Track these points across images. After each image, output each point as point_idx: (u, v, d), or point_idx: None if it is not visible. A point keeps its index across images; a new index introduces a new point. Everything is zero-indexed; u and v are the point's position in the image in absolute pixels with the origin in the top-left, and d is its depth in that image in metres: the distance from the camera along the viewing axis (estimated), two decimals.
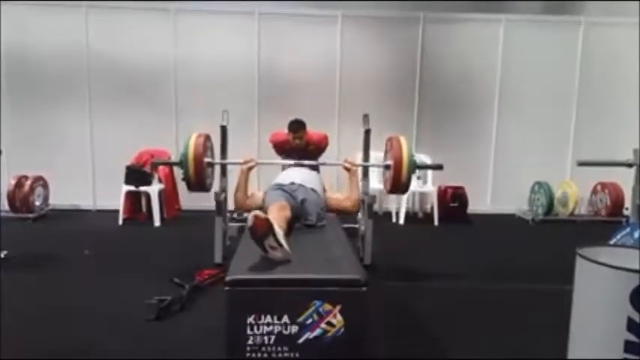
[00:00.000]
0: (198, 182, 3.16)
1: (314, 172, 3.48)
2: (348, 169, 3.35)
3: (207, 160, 3.21)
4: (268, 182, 3.36)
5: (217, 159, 3.46)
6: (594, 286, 1.55)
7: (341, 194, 3.45)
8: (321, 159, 3.97)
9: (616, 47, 5.43)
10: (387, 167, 3.31)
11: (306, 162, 3.52)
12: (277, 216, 2.48)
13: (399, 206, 5.17)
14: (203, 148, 3.13)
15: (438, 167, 3.47)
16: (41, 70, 5.18)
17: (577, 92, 5.49)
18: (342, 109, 5.37)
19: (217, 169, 3.53)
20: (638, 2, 5.14)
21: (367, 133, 3.56)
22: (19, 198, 4.77)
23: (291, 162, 3.52)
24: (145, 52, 5.25)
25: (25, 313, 2.58)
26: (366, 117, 3.56)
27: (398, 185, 3.20)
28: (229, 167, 3.59)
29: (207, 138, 3.27)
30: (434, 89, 5.44)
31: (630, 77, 5.40)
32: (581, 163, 3.74)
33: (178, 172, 5.22)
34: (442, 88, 5.45)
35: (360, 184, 3.63)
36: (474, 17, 5.40)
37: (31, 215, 4.77)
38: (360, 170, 3.53)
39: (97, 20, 5.16)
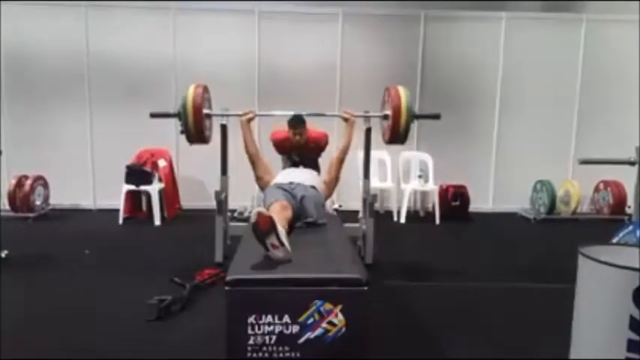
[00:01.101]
0: (197, 133, 3.18)
1: (312, 171, 3.48)
2: (346, 119, 3.43)
3: (205, 111, 3.21)
4: (275, 170, 3.40)
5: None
6: (597, 284, 1.54)
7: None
8: (322, 160, 3.97)
9: (618, 45, 5.40)
10: (385, 117, 3.33)
11: (307, 113, 3.51)
12: (279, 215, 2.46)
13: (401, 205, 5.16)
14: (201, 98, 3.15)
15: (435, 117, 3.47)
16: (41, 69, 5.17)
17: (579, 90, 5.47)
18: (342, 108, 5.33)
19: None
20: (638, 1, 5.12)
21: (368, 131, 3.56)
22: (19, 197, 4.77)
23: (290, 113, 3.51)
24: (145, 51, 5.24)
25: (25, 312, 2.57)
26: (367, 119, 3.54)
27: (397, 134, 3.23)
28: (230, 166, 3.58)
29: (206, 89, 3.30)
30: (435, 87, 5.42)
31: (632, 75, 5.37)
32: (583, 161, 3.71)
33: (179, 171, 5.31)
34: (443, 86, 5.43)
35: (362, 183, 3.63)
36: (475, 15, 5.38)
37: (31, 215, 4.77)
38: (360, 171, 3.53)
39: (96, 19, 5.15)
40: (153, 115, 3.37)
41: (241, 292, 1.83)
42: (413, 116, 3.21)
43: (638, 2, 5.15)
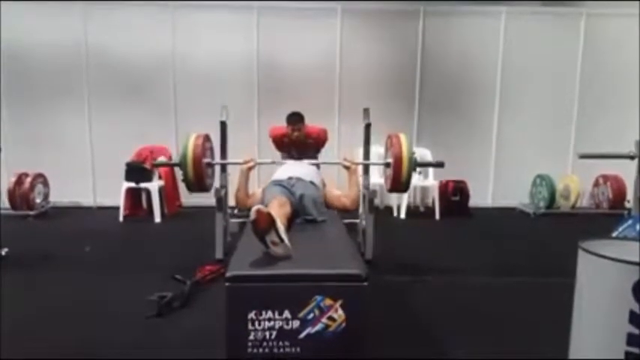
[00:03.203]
0: (197, 183, 3.15)
1: (312, 166, 3.47)
2: (347, 167, 3.33)
3: (206, 160, 3.20)
4: (268, 178, 3.35)
5: (217, 157, 3.45)
6: (596, 279, 1.54)
7: (340, 191, 3.43)
8: (321, 157, 3.97)
9: (618, 38, 5.38)
10: (387, 165, 3.30)
11: (306, 161, 3.50)
12: (278, 212, 2.46)
13: (400, 200, 5.16)
14: (202, 149, 3.12)
15: (438, 165, 3.44)
16: (40, 67, 5.17)
17: (578, 84, 5.46)
18: (341, 103, 5.35)
19: (217, 167, 3.51)
20: None
21: (367, 127, 3.54)
22: (19, 195, 4.77)
23: (290, 162, 3.51)
24: (144, 48, 5.23)
25: (25, 310, 2.57)
26: (366, 111, 3.54)
27: (398, 183, 3.19)
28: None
29: (207, 138, 3.26)
30: (434, 82, 5.41)
31: (632, 69, 5.35)
32: (583, 156, 3.74)
33: (178, 169, 5.29)
34: (443, 81, 5.42)
35: (361, 179, 3.62)
36: (474, 10, 5.37)
37: (31, 212, 4.77)
38: (360, 168, 3.52)
39: (95, 17, 5.14)
40: (155, 165, 3.35)
41: (241, 288, 1.84)
42: (415, 165, 3.17)
43: None
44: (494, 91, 5.47)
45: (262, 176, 4.54)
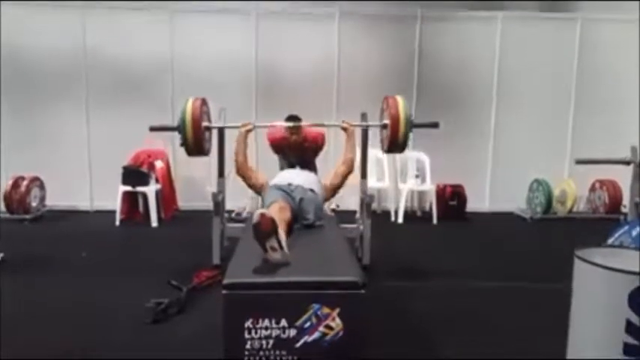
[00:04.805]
0: (196, 146, 3.19)
1: (311, 173, 3.47)
2: (345, 129, 3.41)
3: (204, 124, 3.22)
4: (269, 176, 3.37)
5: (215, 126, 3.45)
6: (593, 287, 1.55)
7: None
8: (319, 159, 3.97)
9: (613, 43, 5.42)
10: (384, 126, 3.33)
11: (306, 124, 3.48)
12: (278, 217, 2.45)
13: (398, 204, 5.16)
14: (200, 111, 3.16)
15: (433, 125, 3.44)
16: (38, 70, 5.15)
17: (574, 89, 5.49)
18: (340, 107, 5.34)
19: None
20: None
21: (365, 132, 3.56)
22: (15, 199, 4.75)
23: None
24: (142, 52, 5.23)
25: (21, 315, 2.55)
26: (364, 116, 3.55)
27: (395, 144, 3.25)
28: (227, 165, 3.57)
29: (204, 102, 3.30)
30: (431, 86, 5.42)
31: (628, 74, 5.39)
32: (579, 161, 3.74)
33: (177, 171, 5.30)
34: (440, 85, 5.44)
35: (359, 182, 3.64)
36: (471, 15, 5.39)
37: (27, 216, 4.75)
38: (357, 176, 3.53)
39: (93, 20, 5.13)
40: (152, 129, 3.35)
41: (238, 295, 1.83)
42: (411, 125, 3.21)
43: (631, 1, 5.18)
44: (491, 95, 5.49)
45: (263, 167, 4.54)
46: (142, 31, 5.20)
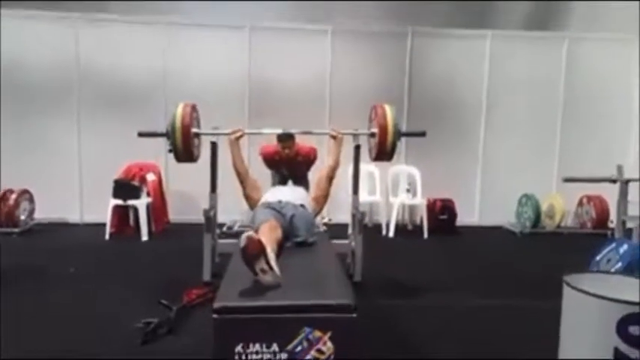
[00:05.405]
0: (185, 152, 3.19)
1: (301, 189, 3.48)
2: (334, 137, 3.46)
3: (194, 130, 3.22)
4: (264, 188, 3.41)
5: (204, 131, 3.45)
6: (581, 314, 1.56)
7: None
8: (313, 171, 3.98)
9: (599, 61, 5.55)
10: (372, 135, 3.37)
11: (296, 131, 3.54)
12: (268, 237, 2.45)
13: (389, 218, 5.18)
14: (190, 117, 3.17)
15: (421, 134, 3.51)
16: (30, 82, 5.13)
17: (562, 106, 5.59)
18: (332, 121, 5.36)
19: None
20: (621, 16, 5.29)
21: (357, 148, 3.57)
22: (4, 212, 4.70)
23: (279, 130, 3.52)
24: (136, 65, 5.23)
25: (2, 335, 2.48)
26: (356, 136, 3.55)
27: (383, 152, 3.29)
28: (220, 177, 3.57)
29: (194, 108, 3.31)
30: (422, 102, 5.49)
31: (614, 91, 5.52)
32: (567, 180, 3.79)
33: (169, 184, 5.28)
34: (430, 102, 5.50)
35: (351, 198, 3.65)
36: (460, 32, 5.48)
37: (15, 230, 4.69)
38: (350, 189, 3.55)
39: (87, 33, 5.14)
40: (141, 135, 3.36)
41: (229, 320, 1.82)
42: (399, 134, 3.26)
43: (619, 19, 5.31)
44: (481, 111, 5.56)
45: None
46: (135, 45, 5.21)
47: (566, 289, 1.61)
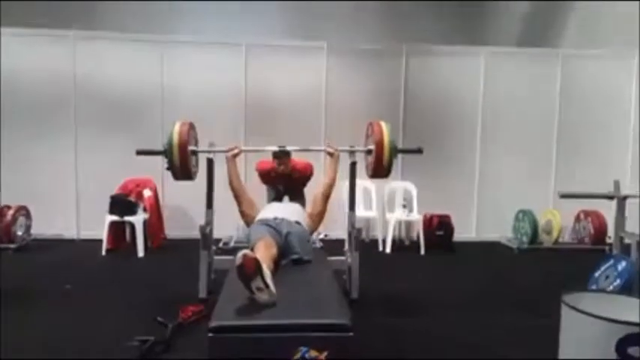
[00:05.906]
0: (183, 170, 3.19)
1: (297, 205, 3.49)
2: (330, 154, 3.47)
3: (191, 148, 3.23)
4: (260, 204, 3.42)
5: (202, 149, 3.47)
6: (580, 334, 1.56)
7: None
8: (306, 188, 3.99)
9: (594, 77, 5.62)
10: (369, 152, 3.38)
11: (292, 148, 3.54)
12: (264, 255, 2.46)
13: (386, 234, 5.18)
14: (187, 136, 3.18)
15: (417, 151, 3.51)
16: (27, 98, 5.15)
17: (557, 121, 5.64)
18: (327, 139, 5.38)
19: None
20: (612, 34, 5.39)
21: (353, 165, 3.58)
22: (0, 228, 4.67)
23: (275, 148, 3.53)
24: (133, 82, 5.27)
25: None
26: (352, 154, 3.57)
27: (380, 169, 3.30)
28: (216, 191, 3.57)
29: (192, 126, 3.33)
30: (418, 119, 5.53)
31: (610, 106, 5.59)
32: (563, 195, 3.80)
33: (165, 200, 5.27)
34: (426, 118, 5.55)
35: (347, 215, 3.65)
36: (455, 49, 5.55)
37: (12, 246, 4.66)
38: (346, 204, 3.55)
39: (84, 50, 5.18)
40: (139, 153, 3.37)
41: (224, 338, 1.81)
42: (396, 151, 3.28)
43: (611, 36, 5.41)
44: (476, 127, 5.61)
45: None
46: (132, 62, 5.26)
47: (564, 309, 1.61)
